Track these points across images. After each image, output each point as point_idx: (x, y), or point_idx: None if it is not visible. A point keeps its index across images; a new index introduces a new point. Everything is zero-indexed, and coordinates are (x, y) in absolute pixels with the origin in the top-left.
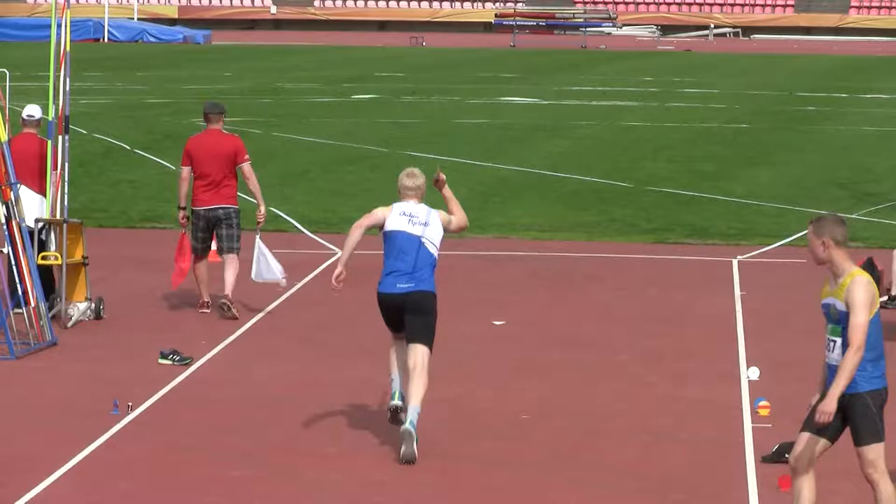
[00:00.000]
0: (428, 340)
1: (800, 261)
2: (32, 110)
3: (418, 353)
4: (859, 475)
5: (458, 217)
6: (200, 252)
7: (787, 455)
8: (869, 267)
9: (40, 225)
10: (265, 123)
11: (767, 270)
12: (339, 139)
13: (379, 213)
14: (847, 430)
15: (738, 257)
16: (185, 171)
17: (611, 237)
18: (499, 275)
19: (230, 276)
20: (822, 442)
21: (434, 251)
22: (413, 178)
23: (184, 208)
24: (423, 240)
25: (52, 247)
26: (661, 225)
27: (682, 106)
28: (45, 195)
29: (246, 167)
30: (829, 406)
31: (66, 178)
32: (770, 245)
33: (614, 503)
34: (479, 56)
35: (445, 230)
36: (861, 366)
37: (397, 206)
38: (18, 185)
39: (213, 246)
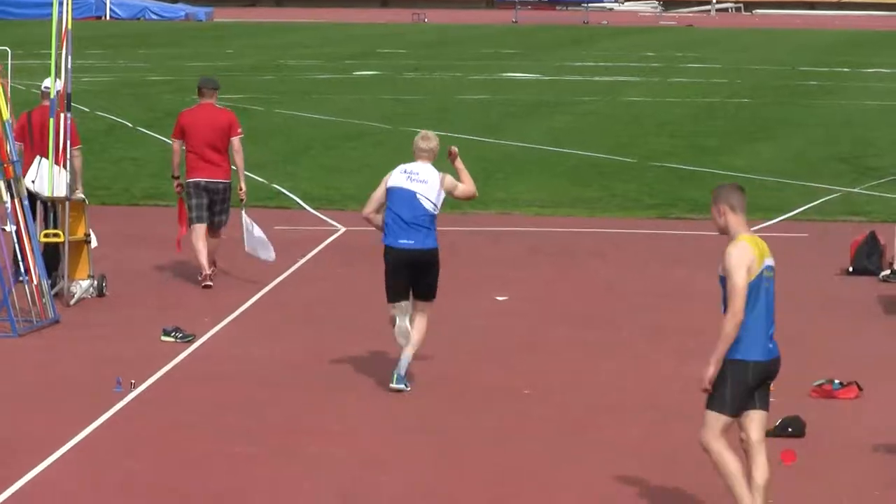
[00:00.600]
0: (431, 296)
1: (802, 235)
2: (49, 82)
3: (424, 309)
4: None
5: (466, 185)
6: (202, 220)
7: (790, 429)
8: (871, 241)
9: (60, 194)
10: (267, 100)
11: (770, 245)
12: (342, 116)
13: (379, 188)
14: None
15: None
16: (177, 143)
17: (613, 213)
18: (501, 251)
19: (213, 245)
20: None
21: (430, 206)
22: (426, 140)
23: (178, 177)
24: (418, 195)
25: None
26: (663, 200)
27: (683, 81)
28: (63, 166)
29: (236, 141)
30: (706, 373)
31: (70, 156)
32: (772, 220)
33: (618, 480)
34: (480, 32)
35: (450, 194)
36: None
37: (400, 166)
38: (21, 162)
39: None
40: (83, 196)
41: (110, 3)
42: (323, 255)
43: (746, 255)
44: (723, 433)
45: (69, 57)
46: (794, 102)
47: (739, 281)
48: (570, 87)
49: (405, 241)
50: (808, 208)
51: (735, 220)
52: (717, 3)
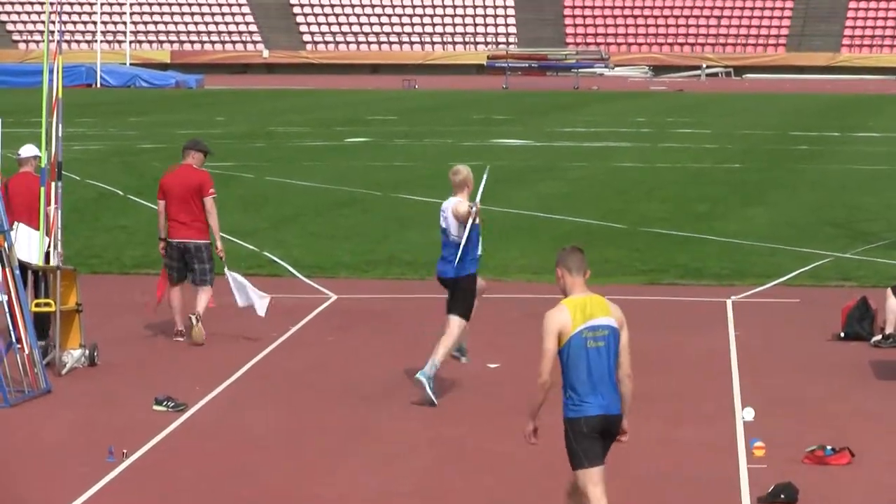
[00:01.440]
0: (458, 312)
1: (794, 300)
2: (26, 149)
3: (449, 321)
4: None
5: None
6: (175, 281)
7: (783, 496)
8: (863, 306)
9: (34, 261)
10: (258, 167)
11: (761, 310)
12: (333, 182)
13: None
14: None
15: (732, 297)
16: (161, 205)
17: (605, 278)
18: (493, 317)
19: (201, 300)
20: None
21: (453, 237)
22: (455, 174)
23: (163, 239)
24: (447, 229)
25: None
26: (654, 266)
27: (674, 146)
28: (46, 233)
29: (208, 201)
30: (525, 428)
31: (60, 225)
32: (764, 285)
33: None
34: (471, 98)
35: (457, 217)
36: (564, 393)
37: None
38: (12, 231)
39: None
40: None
41: (101, 71)
42: (314, 323)
43: (557, 319)
44: (598, 482)
45: (60, 125)
46: (786, 167)
47: (544, 345)
48: (561, 153)
49: (440, 269)
50: (800, 273)
51: (570, 282)
52: (707, 67)
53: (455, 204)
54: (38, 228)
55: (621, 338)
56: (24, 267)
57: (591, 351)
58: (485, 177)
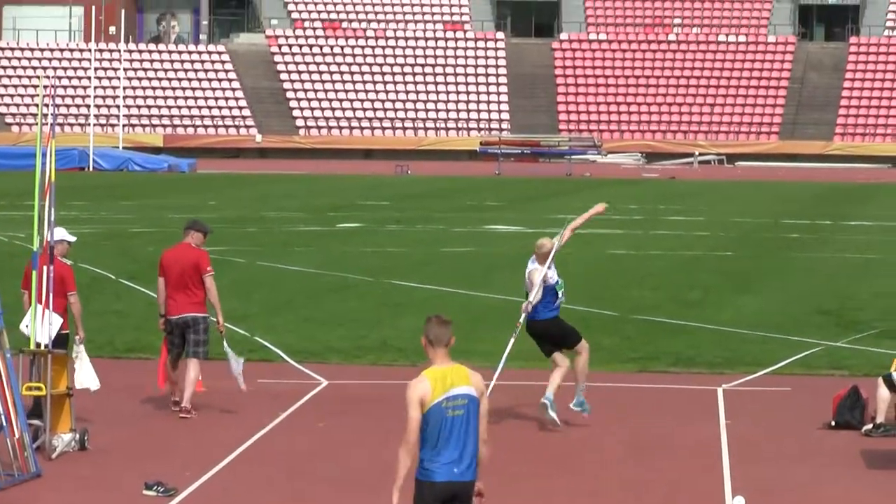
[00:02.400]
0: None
1: (785, 389)
2: (56, 233)
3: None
4: None
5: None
6: (174, 357)
7: None
8: (854, 395)
9: (45, 341)
10: (250, 252)
11: (753, 399)
12: (325, 268)
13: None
14: None
15: (724, 385)
16: (161, 282)
17: (596, 366)
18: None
19: (190, 378)
20: None
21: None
22: (540, 247)
23: (163, 315)
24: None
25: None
26: (645, 354)
27: (666, 233)
28: (64, 314)
29: (207, 279)
30: (392, 500)
31: (51, 308)
32: (755, 373)
33: None
34: (464, 184)
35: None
36: (420, 456)
37: (545, 265)
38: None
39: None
40: (80, 340)
41: (94, 154)
42: (305, 408)
43: (419, 389)
44: None
45: (52, 208)
46: (778, 255)
47: (409, 414)
48: None
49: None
50: (791, 362)
51: (432, 353)
52: (700, 155)
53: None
54: (59, 310)
55: (481, 406)
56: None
57: (448, 420)
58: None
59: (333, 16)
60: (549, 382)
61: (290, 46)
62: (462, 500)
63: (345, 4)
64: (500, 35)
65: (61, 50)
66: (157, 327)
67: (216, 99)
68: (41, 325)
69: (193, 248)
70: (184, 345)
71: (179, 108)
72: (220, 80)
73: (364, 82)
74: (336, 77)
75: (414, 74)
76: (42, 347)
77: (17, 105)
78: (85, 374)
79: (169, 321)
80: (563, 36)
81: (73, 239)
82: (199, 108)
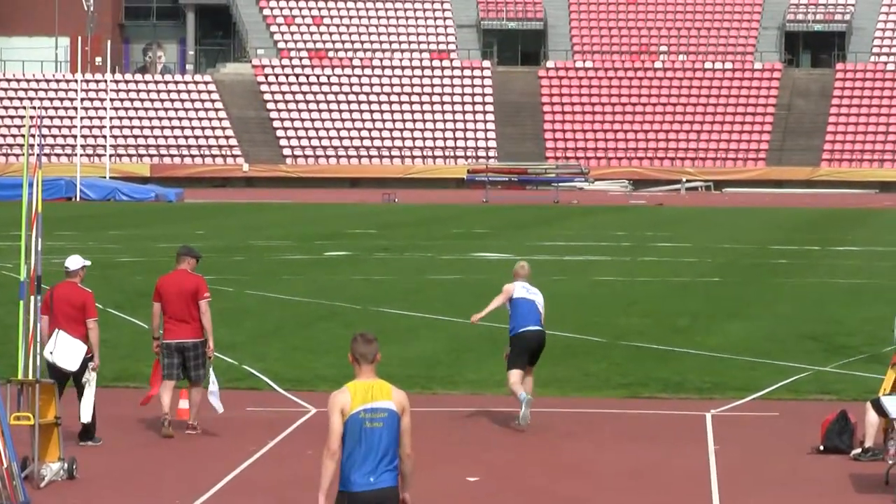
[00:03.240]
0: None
1: (773, 414)
2: (70, 262)
3: (530, 372)
4: None
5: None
6: (167, 378)
7: None
8: (842, 420)
9: (73, 368)
10: (238, 281)
11: (741, 424)
12: (313, 296)
13: (504, 293)
14: None
15: (712, 411)
16: (156, 306)
17: (584, 392)
18: (472, 431)
19: (195, 400)
20: None
21: (542, 312)
22: (522, 268)
23: (157, 338)
24: (537, 303)
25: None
26: (634, 380)
27: (654, 260)
28: (84, 340)
29: (203, 304)
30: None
31: (39, 339)
32: (743, 398)
33: None
34: (451, 212)
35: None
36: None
37: (516, 283)
38: (52, 338)
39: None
40: (94, 367)
41: (81, 184)
42: (294, 436)
43: (339, 400)
44: None
45: (40, 239)
46: (765, 281)
47: (330, 421)
48: (541, 267)
49: (534, 328)
50: (780, 387)
51: (358, 369)
52: (687, 181)
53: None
54: (76, 337)
55: (402, 421)
56: (62, 373)
57: (366, 431)
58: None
59: (319, 45)
60: (525, 386)
61: (277, 76)
62: None
63: (331, 34)
64: (487, 63)
65: (48, 81)
66: (144, 356)
67: (203, 128)
68: (66, 352)
69: (191, 274)
70: (181, 367)
71: (166, 137)
72: (206, 110)
73: (351, 111)
74: (323, 106)
75: (401, 103)
76: (31, 377)
77: (4, 136)
78: (84, 404)
79: (168, 345)
80: (550, 64)
81: (88, 263)
82: (186, 137)
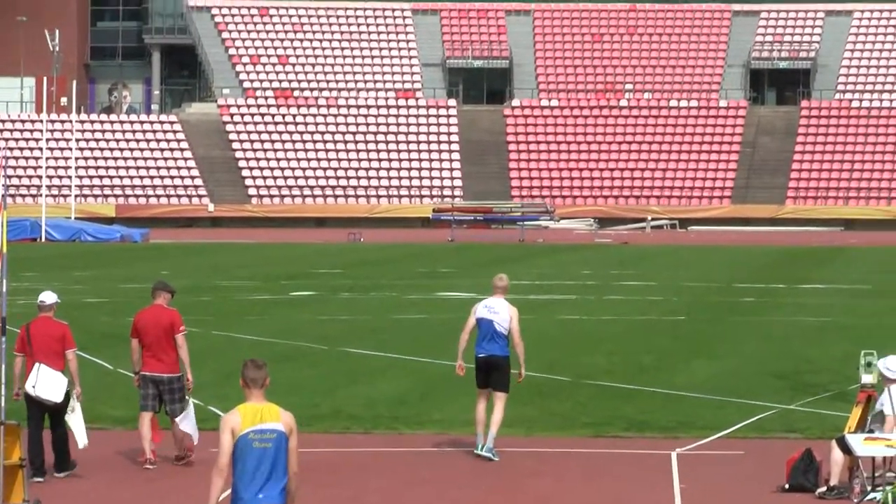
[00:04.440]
0: (506, 388)
1: (738, 453)
2: (45, 296)
3: (499, 398)
4: None
5: (518, 342)
6: (143, 409)
7: None
8: (808, 458)
9: (57, 400)
10: (203, 321)
11: (706, 462)
12: (278, 336)
13: (470, 318)
14: None
15: (678, 450)
16: (134, 342)
17: (550, 431)
18: (439, 471)
19: (178, 436)
20: None
21: (502, 330)
22: (500, 280)
23: (137, 373)
24: (495, 323)
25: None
26: (600, 419)
27: (620, 298)
28: (63, 372)
29: (179, 338)
30: None
31: (3, 380)
32: (709, 437)
33: None
34: (416, 251)
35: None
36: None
37: (483, 302)
38: (34, 371)
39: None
40: (77, 396)
41: (46, 224)
42: None
43: (230, 421)
44: None
45: (4, 280)
46: (731, 319)
47: (221, 441)
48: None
49: (484, 351)
50: (745, 425)
51: (248, 393)
52: (652, 220)
53: (511, 309)
54: (56, 369)
55: (290, 441)
56: (42, 407)
57: (256, 451)
58: None
59: (285, 84)
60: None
61: (242, 115)
62: None
63: (296, 73)
64: (452, 102)
65: (13, 121)
66: (108, 398)
67: (168, 168)
68: (49, 385)
69: (167, 309)
70: (157, 399)
71: (132, 177)
72: (172, 150)
73: (316, 150)
74: (288, 145)
75: (366, 142)
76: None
77: None
78: (77, 430)
79: (144, 377)
80: (515, 102)
81: (58, 300)
82: (152, 177)
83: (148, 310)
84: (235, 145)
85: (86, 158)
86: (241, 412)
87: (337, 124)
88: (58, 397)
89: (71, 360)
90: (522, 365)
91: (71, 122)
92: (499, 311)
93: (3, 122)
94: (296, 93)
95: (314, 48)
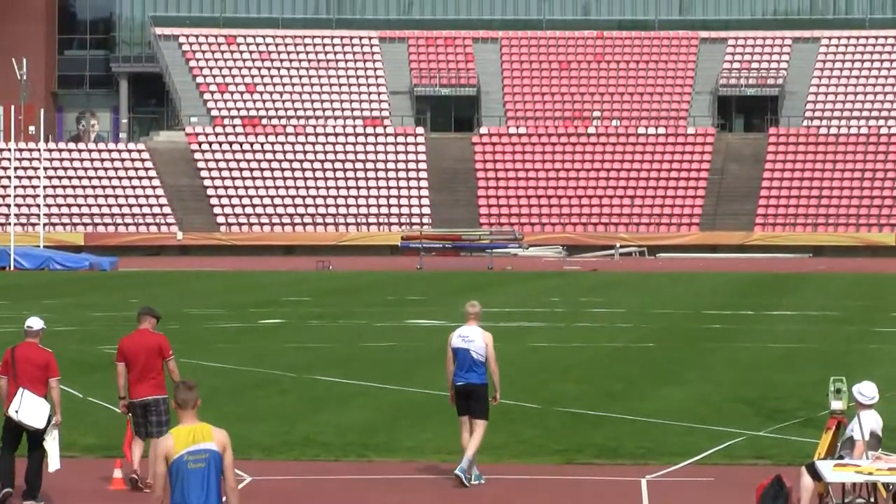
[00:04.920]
0: (484, 416)
1: (708, 479)
2: (32, 322)
3: (478, 424)
4: None
5: (493, 366)
6: (139, 436)
7: None
8: (777, 484)
9: (40, 426)
10: (172, 349)
11: (676, 489)
12: (247, 364)
13: (448, 351)
14: None
15: (647, 476)
16: (121, 366)
17: (520, 458)
18: (409, 499)
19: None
20: None
21: (480, 358)
22: (473, 307)
23: (123, 398)
24: (471, 351)
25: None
26: (569, 445)
27: (589, 325)
28: (45, 398)
29: (171, 363)
30: None
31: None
32: (678, 464)
33: None
34: (385, 279)
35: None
36: None
37: (457, 332)
38: (18, 396)
39: None
40: (57, 423)
41: (14, 253)
42: None
43: (163, 446)
44: None
45: None
46: (700, 346)
47: (155, 467)
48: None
49: (462, 380)
50: (714, 452)
51: (181, 414)
52: (621, 247)
53: (486, 335)
54: (39, 395)
55: (224, 458)
56: (19, 430)
57: (191, 472)
58: None
59: (253, 112)
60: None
61: (210, 143)
62: None
63: (264, 101)
64: (420, 130)
65: None
66: (78, 425)
67: (137, 196)
68: (32, 411)
69: (153, 333)
70: (147, 424)
71: (100, 206)
72: (140, 178)
73: (284, 178)
74: (256, 173)
75: (334, 170)
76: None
77: None
78: (51, 454)
79: (133, 404)
80: (483, 130)
81: (44, 326)
82: (120, 205)
83: (134, 334)
84: (204, 173)
85: (54, 187)
86: (175, 435)
87: (305, 152)
88: (40, 423)
89: (53, 389)
90: (497, 389)
91: (39, 150)
92: (473, 338)
93: None
94: (263, 121)
95: (282, 76)
